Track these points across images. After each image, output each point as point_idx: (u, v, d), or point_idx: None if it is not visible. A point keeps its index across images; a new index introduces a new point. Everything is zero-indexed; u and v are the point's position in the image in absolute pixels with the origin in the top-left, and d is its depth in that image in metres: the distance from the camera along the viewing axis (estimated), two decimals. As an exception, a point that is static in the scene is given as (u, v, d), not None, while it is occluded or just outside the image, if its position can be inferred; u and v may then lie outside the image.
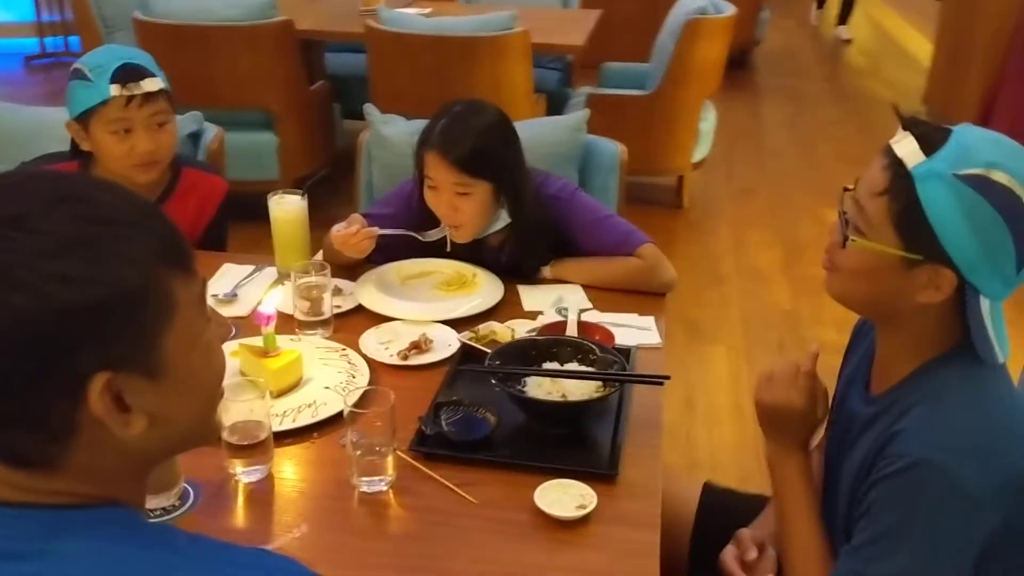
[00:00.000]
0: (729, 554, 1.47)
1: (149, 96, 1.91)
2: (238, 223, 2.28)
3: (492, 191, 1.92)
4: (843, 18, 8.58)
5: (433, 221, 1.99)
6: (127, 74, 1.88)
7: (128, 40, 4.29)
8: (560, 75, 5.11)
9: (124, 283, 0.75)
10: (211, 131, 2.54)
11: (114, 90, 1.87)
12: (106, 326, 0.74)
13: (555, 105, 4.46)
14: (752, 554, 1.44)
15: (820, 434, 1.52)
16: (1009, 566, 1.24)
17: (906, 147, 1.18)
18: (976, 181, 1.13)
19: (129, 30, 4.27)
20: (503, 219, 1.98)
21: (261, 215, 2.05)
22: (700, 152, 4.64)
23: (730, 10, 4.42)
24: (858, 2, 8.61)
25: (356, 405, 1.43)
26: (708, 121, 4.65)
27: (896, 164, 1.18)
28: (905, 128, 1.21)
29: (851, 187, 1.28)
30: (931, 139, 1.17)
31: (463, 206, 1.92)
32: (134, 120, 1.91)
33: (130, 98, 1.89)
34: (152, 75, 1.92)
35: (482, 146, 1.89)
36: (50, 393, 0.75)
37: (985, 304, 1.19)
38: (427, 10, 4.65)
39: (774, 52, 8.01)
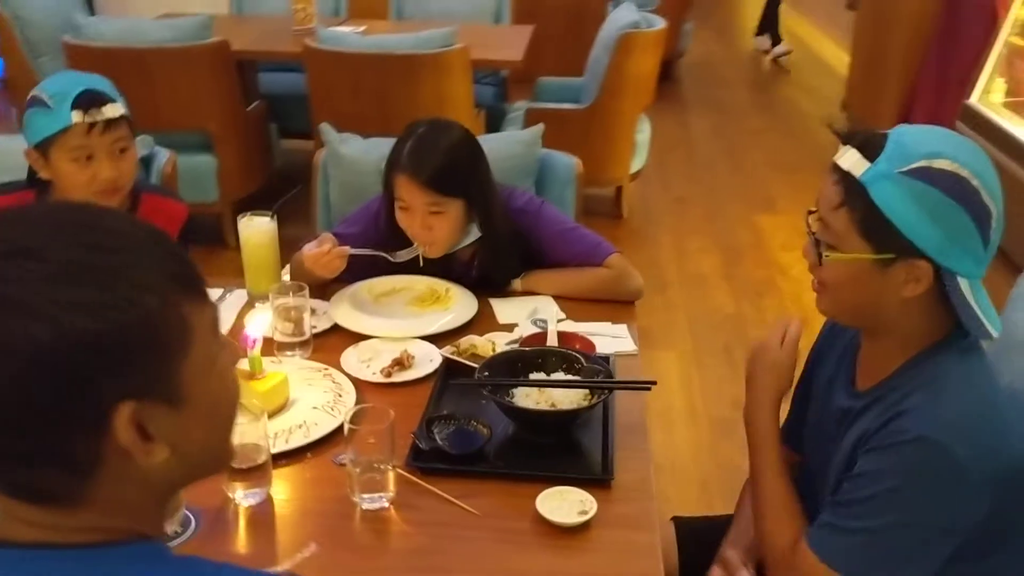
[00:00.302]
0: (716, 574, 1.50)
1: (111, 123, 1.88)
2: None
3: (464, 207, 1.95)
4: (774, 40, 8.43)
5: (402, 239, 2.01)
6: (88, 100, 1.86)
7: (56, 64, 4.20)
8: (495, 90, 5.16)
9: (141, 309, 0.75)
10: (163, 155, 2.51)
11: (75, 117, 1.84)
12: (126, 354, 0.74)
13: (493, 120, 4.51)
14: (744, 574, 1.48)
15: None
16: (995, 564, 1.31)
17: (850, 159, 1.26)
18: (921, 173, 1.21)
19: (55, 54, 4.19)
20: (474, 233, 2.00)
21: (208, 238, 2.04)
22: (637, 163, 4.73)
23: (661, 24, 4.52)
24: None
25: (352, 423, 1.44)
26: (644, 133, 4.74)
27: (845, 177, 1.25)
28: (845, 142, 1.29)
29: (814, 209, 1.34)
30: (871, 146, 1.25)
31: (436, 224, 1.94)
32: (96, 147, 1.88)
33: (92, 125, 1.86)
34: (113, 101, 1.90)
35: (451, 165, 1.91)
36: (73, 426, 0.74)
37: (964, 284, 1.26)
38: (361, 28, 4.67)
39: (697, 64, 8.19)
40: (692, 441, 3.05)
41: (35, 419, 0.73)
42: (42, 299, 0.71)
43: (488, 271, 2.05)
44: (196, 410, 0.80)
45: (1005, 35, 4.53)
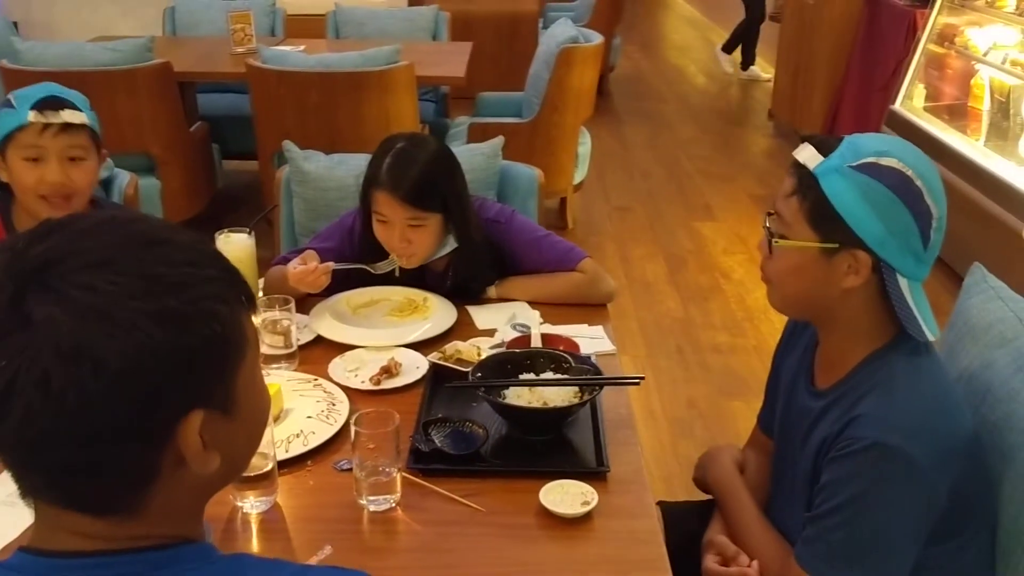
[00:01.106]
0: (710, 560, 1.54)
1: (67, 127, 1.89)
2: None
3: (442, 220, 1.99)
4: (746, 62, 8.29)
5: (377, 251, 2.04)
6: (47, 103, 1.88)
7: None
8: (436, 106, 5.22)
9: (217, 320, 0.76)
10: (124, 176, 2.52)
11: (31, 116, 1.86)
12: (203, 364, 0.76)
13: (436, 136, 4.55)
14: (733, 549, 1.52)
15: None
16: (963, 541, 1.39)
17: (806, 153, 1.36)
18: (868, 168, 1.31)
19: (-8, 79, 4.12)
20: (450, 244, 2.05)
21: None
22: (580, 174, 4.83)
23: (598, 38, 4.64)
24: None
25: (356, 427, 1.47)
26: (585, 145, 4.85)
27: (799, 168, 1.36)
28: (803, 140, 1.39)
29: (772, 212, 1.43)
30: (826, 145, 1.36)
31: (416, 237, 1.98)
32: (47, 149, 1.88)
33: (46, 126, 1.87)
34: (76, 109, 1.91)
35: (430, 179, 1.96)
36: (144, 436, 0.75)
37: (903, 283, 1.35)
38: (300, 48, 4.67)
39: (626, 77, 8.37)
40: (653, 441, 3.13)
41: (109, 431, 0.73)
42: (129, 311, 0.72)
43: (464, 280, 2.10)
44: (244, 419, 0.82)
45: (924, 43, 4.75)
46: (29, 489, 0.78)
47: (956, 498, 1.33)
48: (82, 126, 1.92)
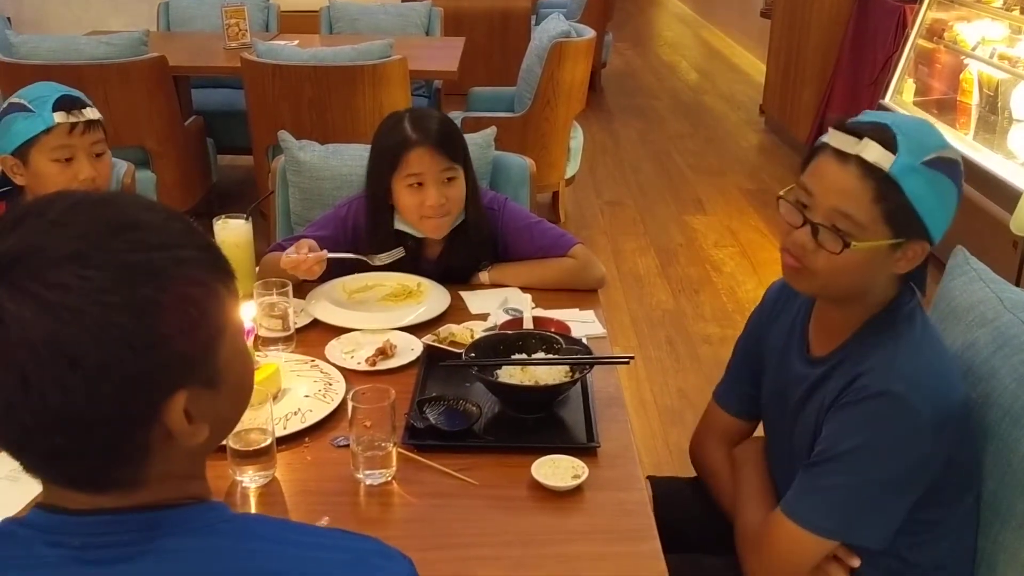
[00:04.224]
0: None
1: (90, 124, 1.94)
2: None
3: (465, 178, 2.05)
4: None
5: (377, 241, 2.08)
6: (70, 102, 1.92)
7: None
8: (428, 101, 5.25)
9: (194, 304, 0.76)
10: (122, 166, 2.54)
11: (58, 117, 1.90)
12: (183, 349, 0.76)
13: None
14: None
15: None
16: (951, 511, 1.42)
17: (874, 152, 1.30)
18: (938, 163, 1.31)
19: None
20: (462, 215, 2.10)
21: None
22: (571, 168, 4.86)
23: (590, 33, 4.67)
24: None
25: (353, 403, 1.50)
26: (577, 139, 4.89)
27: (872, 170, 1.30)
28: (854, 134, 1.32)
29: (784, 193, 1.41)
30: (884, 138, 1.30)
31: (451, 193, 2.03)
32: (77, 148, 1.93)
33: (73, 125, 1.91)
34: (91, 105, 1.95)
35: (453, 130, 2.04)
36: (130, 421, 0.76)
37: None
38: (294, 43, 4.71)
39: (618, 73, 8.41)
40: (644, 429, 3.17)
41: (93, 420, 0.74)
42: (103, 306, 0.72)
43: (458, 261, 2.13)
44: (229, 388, 0.83)
45: (913, 38, 4.80)
46: (28, 468, 0.80)
47: (949, 467, 1.37)
48: (98, 121, 1.97)
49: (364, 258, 2.06)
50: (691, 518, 1.74)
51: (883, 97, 4.88)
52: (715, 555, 1.63)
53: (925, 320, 1.43)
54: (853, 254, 1.33)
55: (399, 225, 2.09)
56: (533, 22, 6.78)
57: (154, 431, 0.77)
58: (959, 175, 1.35)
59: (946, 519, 1.44)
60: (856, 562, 1.43)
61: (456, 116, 4.65)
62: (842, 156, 1.33)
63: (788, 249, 1.41)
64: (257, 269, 2.12)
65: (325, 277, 2.09)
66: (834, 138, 1.35)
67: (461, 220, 2.09)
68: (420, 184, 2.01)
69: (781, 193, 1.42)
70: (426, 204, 2.02)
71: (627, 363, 1.73)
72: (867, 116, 1.38)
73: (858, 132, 1.32)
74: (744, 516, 1.56)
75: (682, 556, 1.52)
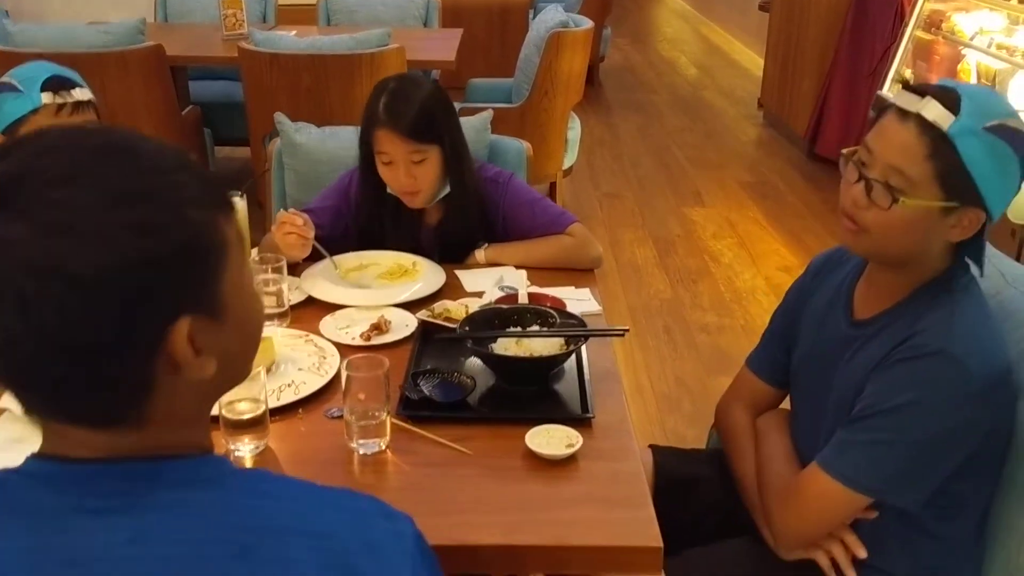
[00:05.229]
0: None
1: (79, 105, 1.92)
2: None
3: (441, 155, 2.04)
4: None
5: (375, 207, 2.10)
6: (58, 83, 1.89)
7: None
8: (427, 92, 5.23)
9: (191, 226, 0.76)
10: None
11: (46, 98, 1.87)
12: (181, 270, 0.75)
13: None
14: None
15: None
16: (982, 482, 1.41)
17: (934, 110, 1.29)
18: (1001, 131, 1.30)
19: (-18, 63, 4.13)
20: (446, 187, 2.10)
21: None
22: (569, 159, 4.86)
23: (588, 23, 4.67)
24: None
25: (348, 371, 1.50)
26: (574, 130, 4.88)
27: (930, 128, 1.29)
28: (916, 91, 1.33)
29: (848, 151, 1.40)
30: (947, 99, 1.30)
31: (419, 173, 2.02)
32: None
33: (61, 106, 1.89)
34: (81, 85, 1.94)
35: (427, 112, 2.00)
36: (133, 347, 0.74)
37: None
38: (292, 32, 4.70)
39: (616, 68, 8.41)
40: (641, 415, 3.17)
41: (96, 344, 0.72)
42: (98, 223, 0.71)
43: (454, 229, 2.14)
44: (235, 322, 0.82)
45: (911, 29, 4.79)
46: (29, 406, 0.78)
47: (988, 438, 1.36)
48: (89, 102, 1.95)
49: (333, 262, 2.06)
50: (692, 487, 1.73)
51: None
52: (710, 522, 1.63)
53: (981, 294, 1.42)
54: (903, 211, 1.32)
55: (392, 189, 2.10)
56: (531, 16, 6.77)
57: (159, 362, 0.76)
58: (1022, 147, 1.31)
59: (977, 492, 1.43)
60: (863, 553, 1.43)
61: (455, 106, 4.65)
62: (903, 114, 1.33)
63: (844, 209, 1.40)
64: (256, 251, 2.12)
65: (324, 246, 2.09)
66: (899, 97, 1.35)
67: (447, 192, 2.09)
68: (390, 163, 2.02)
69: (844, 151, 1.42)
70: (395, 183, 2.04)
71: (622, 335, 1.73)
72: (939, 81, 1.38)
73: (922, 91, 1.32)
74: (775, 474, 1.55)
75: (680, 556, 1.54)
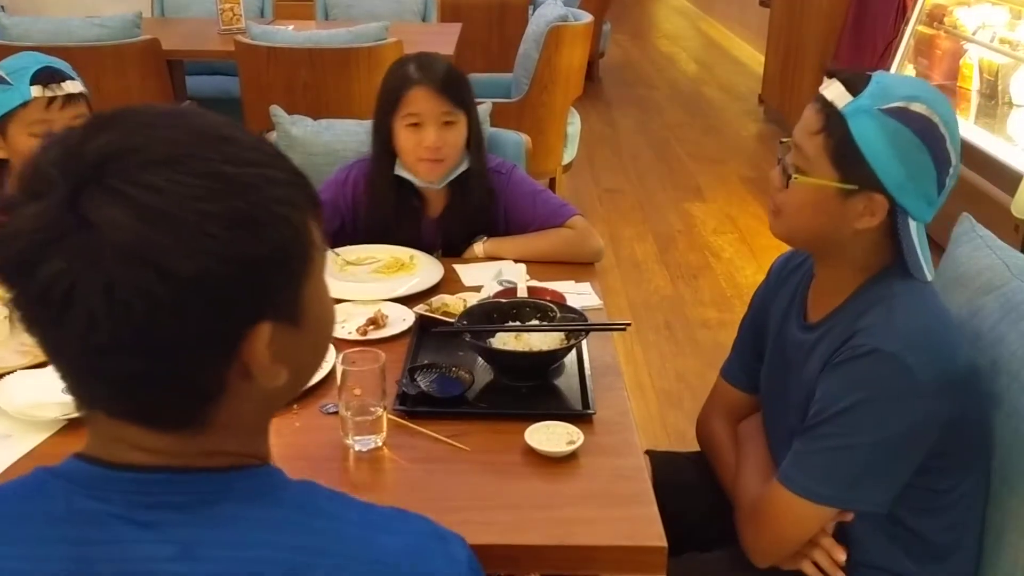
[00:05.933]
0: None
1: (70, 98, 1.89)
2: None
3: (467, 126, 2.04)
4: None
5: (382, 202, 2.07)
6: (48, 76, 1.87)
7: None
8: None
9: (286, 225, 0.71)
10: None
11: (35, 91, 1.85)
12: (272, 272, 0.71)
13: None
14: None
15: None
16: (960, 480, 1.39)
17: (834, 91, 1.33)
18: (898, 112, 1.29)
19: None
20: (464, 164, 2.08)
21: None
22: (568, 155, 4.82)
23: (587, 17, 4.64)
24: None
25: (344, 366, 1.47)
26: (574, 125, 4.85)
27: (827, 106, 1.33)
28: (830, 76, 1.36)
29: (786, 139, 1.42)
30: (854, 83, 1.33)
31: (448, 137, 2.01)
32: (55, 122, 1.88)
33: (51, 99, 1.87)
34: (72, 78, 1.91)
35: (456, 74, 2.03)
36: (213, 348, 0.71)
37: (913, 226, 1.35)
38: (290, 27, 4.67)
39: (616, 64, 8.37)
40: (642, 412, 3.14)
41: (178, 342, 0.68)
42: (196, 214, 0.67)
43: (456, 220, 2.11)
44: (310, 330, 0.78)
45: (913, 24, 4.76)
46: (89, 400, 0.74)
47: (955, 434, 1.33)
48: (80, 95, 1.92)
49: (331, 253, 2.03)
50: (690, 492, 1.70)
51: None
52: (710, 529, 1.60)
53: (928, 289, 1.40)
54: (802, 190, 1.35)
55: (399, 171, 2.07)
56: (530, 10, 6.74)
57: (233, 366, 0.72)
58: (931, 136, 1.30)
59: (956, 488, 1.40)
60: (842, 557, 1.40)
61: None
62: (817, 94, 1.35)
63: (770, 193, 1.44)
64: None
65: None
66: (822, 84, 1.37)
67: (463, 170, 2.06)
68: (418, 124, 2.00)
69: (782, 140, 1.43)
70: (422, 145, 2.00)
71: (623, 329, 1.70)
72: (878, 72, 1.37)
73: (833, 75, 1.35)
74: (743, 489, 1.53)
75: (679, 558, 1.50)
